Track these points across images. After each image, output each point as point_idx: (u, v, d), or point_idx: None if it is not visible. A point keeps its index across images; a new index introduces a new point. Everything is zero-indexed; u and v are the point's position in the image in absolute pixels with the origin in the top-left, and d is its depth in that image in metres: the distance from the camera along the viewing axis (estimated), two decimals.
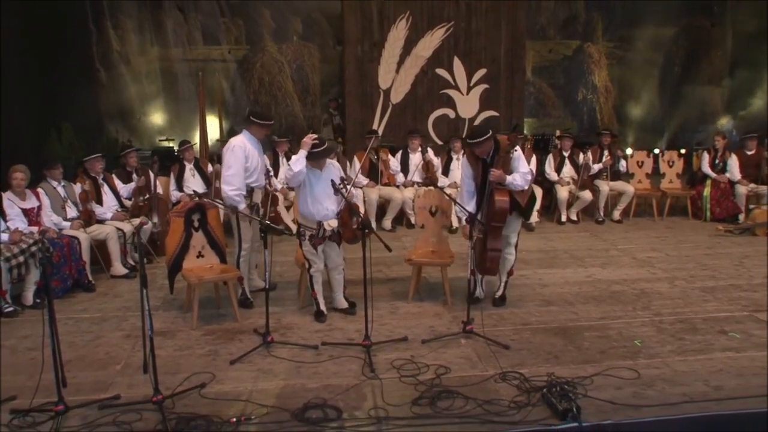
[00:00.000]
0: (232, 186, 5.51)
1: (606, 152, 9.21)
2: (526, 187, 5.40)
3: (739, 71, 13.51)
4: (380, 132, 9.93)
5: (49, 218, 6.31)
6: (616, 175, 9.32)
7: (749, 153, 9.21)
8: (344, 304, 5.58)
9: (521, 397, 4.00)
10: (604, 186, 9.19)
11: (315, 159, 5.22)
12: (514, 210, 5.39)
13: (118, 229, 6.79)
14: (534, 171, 8.19)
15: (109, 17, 11.89)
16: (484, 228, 5.30)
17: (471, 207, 5.39)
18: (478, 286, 5.74)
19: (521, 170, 5.32)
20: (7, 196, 5.99)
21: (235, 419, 3.73)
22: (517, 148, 5.28)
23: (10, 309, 5.57)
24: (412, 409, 3.87)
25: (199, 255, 5.57)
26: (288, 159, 8.33)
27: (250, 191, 5.75)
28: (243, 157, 5.58)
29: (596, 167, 9.16)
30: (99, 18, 11.84)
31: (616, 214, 9.29)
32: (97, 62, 11.92)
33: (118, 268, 6.73)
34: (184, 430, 3.65)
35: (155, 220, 7.33)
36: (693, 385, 4.17)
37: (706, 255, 7.41)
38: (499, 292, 5.78)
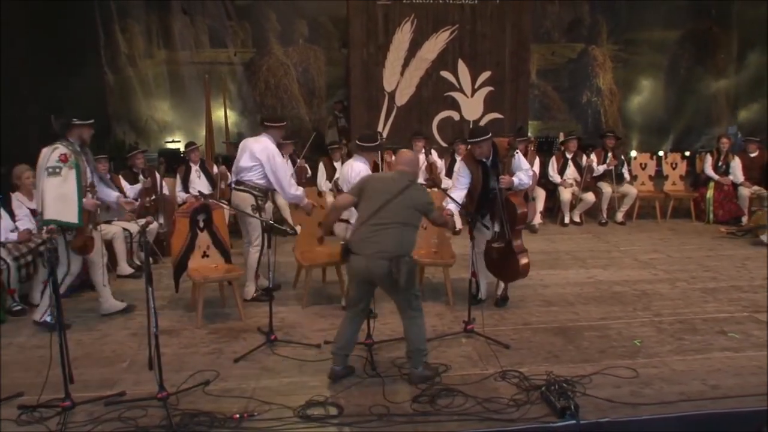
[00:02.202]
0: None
1: (610, 154, 9.24)
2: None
3: (748, 66, 13.43)
4: (385, 134, 9.96)
5: None
6: (619, 179, 9.35)
7: (752, 155, 9.22)
8: None
9: (520, 395, 4.05)
10: (607, 188, 9.22)
11: (372, 152, 5.67)
12: None
13: (125, 229, 6.87)
14: (537, 173, 8.26)
15: (117, 20, 12.01)
16: (508, 237, 5.35)
17: (458, 199, 5.43)
18: (480, 287, 5.79)
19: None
20: (16, 197, 6.07)
21: (238, 416, 3.80)
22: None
23: (19, 307, 5.66)
24: (412, 407, 3.93)
25: (205, 255, 5.65)
26: (293, 162, 8.43)
27: (273, 191, 5.84)
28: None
29: (600, 168, 9.19)
30: (107, 21, 11.96)
31: (619, 216, 9.32)
32: (105, 65, 12.04)
33: (124, 268, 6.81)
34: (188, 426, 3.72)
35: (161, 220, 7.40)
36: (691, 384, 4.22)
37: (708, 257, 7.44)
38: (501, 293, 5.83)
